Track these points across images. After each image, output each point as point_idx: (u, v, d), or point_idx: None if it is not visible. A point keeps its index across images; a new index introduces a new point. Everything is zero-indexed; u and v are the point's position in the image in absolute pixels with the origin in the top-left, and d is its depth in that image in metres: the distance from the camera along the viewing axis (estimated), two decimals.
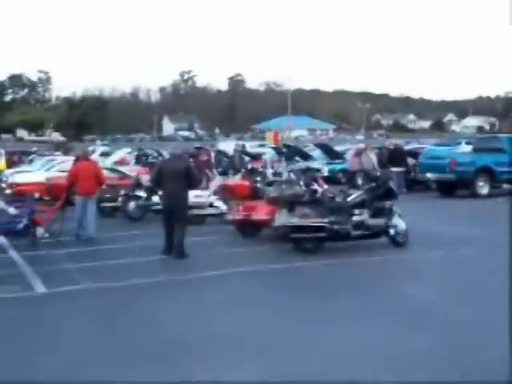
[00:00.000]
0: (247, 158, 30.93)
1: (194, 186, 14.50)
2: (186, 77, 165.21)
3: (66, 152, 43.59)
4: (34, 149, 53.61)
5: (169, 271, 12.11)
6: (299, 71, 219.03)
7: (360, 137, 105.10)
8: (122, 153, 35.14)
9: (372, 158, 23.92)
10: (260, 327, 8.43)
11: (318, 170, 27.02)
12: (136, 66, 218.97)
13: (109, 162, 30.82)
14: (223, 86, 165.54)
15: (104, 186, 20.29)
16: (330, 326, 8.43)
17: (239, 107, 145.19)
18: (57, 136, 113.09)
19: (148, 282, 11.14)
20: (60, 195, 17.37)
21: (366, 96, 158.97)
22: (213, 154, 27.52)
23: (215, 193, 18.45)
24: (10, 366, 7.16)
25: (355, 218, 13.78)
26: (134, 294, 10.40)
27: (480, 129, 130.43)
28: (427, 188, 26.20)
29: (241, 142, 47.42)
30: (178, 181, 13.32)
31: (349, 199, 14.21)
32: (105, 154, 37.81)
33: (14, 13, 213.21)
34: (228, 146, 45.17)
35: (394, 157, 25.46)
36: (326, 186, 16.59)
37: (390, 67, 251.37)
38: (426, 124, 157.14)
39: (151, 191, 18.11)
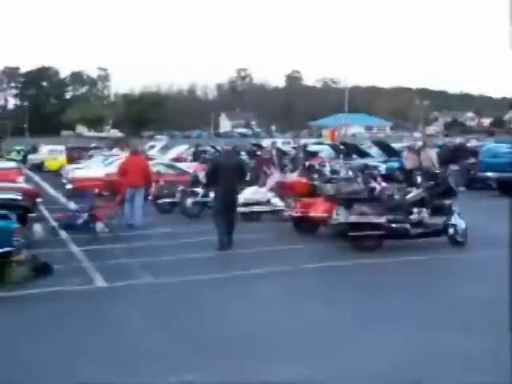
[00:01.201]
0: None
1: (244, 181, 14.98)
2: (243, 74, 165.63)
3: (123, 148, 44.11)
4: (94, 145, 54.40)
5: (227, 267, 12.14)
6: (356, 68, 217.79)
7: (417, 134, 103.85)
8: (180, 149, 35.40)
9: (431, 155, 23.62)
10: (318, 325, 8.41)
11: (376, 168, 26.80)
12: (193, 63, 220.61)
13: (166, 158, 31.12)
14: (280, 82, 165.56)
15: (161, 182, 20.60)
16: (389, 325, 8.35)
17: (296, 104, 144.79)
18: (115, 132, 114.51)
19: (207, 278, 11.21)
20: (119, 191, 17.63)
21: (424, 93, 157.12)
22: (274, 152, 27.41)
23: (272, 190, 18.46)
24: (69, 359, 7.27)
25: (414, 217, 13.65)
26: (194, 290, 10.47)
27: None
28: (487, 187, 25.74)
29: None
30: (231, 177, 13.84)
31: (407, 197, 14.08)
32: (165, 148, 38.13)
33: (75, 12, 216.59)
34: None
35: (457, 154, 25.08)
36: (384, 184, 16.43)
37: (449, 63, 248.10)
38: (486, 121, 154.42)
39: (208, 188, 18.22)
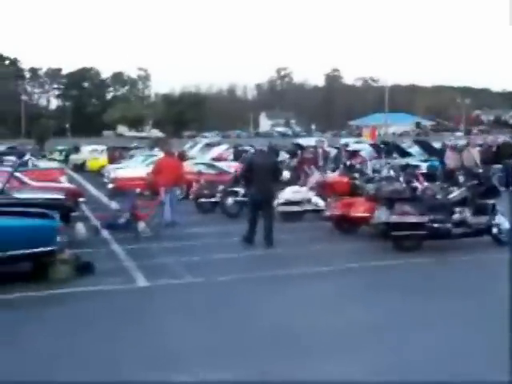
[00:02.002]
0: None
1: (278, 180, 15.22)
2: (282, 73, 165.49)
3: (163, 147, 44.29)
4: (134, 145, 54.78)
5: (268, 267, 12.11)
6: (396, 66, 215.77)
7: (459, 133, 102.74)
8: (220, 149, 35.47)
9: (474, 154, 23.34)
10: (361, 325, 8.35)
11: (417, 167, 26.53)
12: (233, 63, 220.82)
13: (207, 157, 31.21)
14: (320, 81, 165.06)
15: (202, 182, 20.69)
16: (432, 326, 8.27)
17: (336, 103, 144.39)
18: (156, 132, 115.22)
19: (247, 277, 11.22)
20: (160, 190, 17.73)
21: (466, 91, 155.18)
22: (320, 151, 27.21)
23: (313, 189, 18.40)
24: (112, 358, 7.31)
25: (456, 216, 13.50)
26: (235, 289, 10.47)
27: None
28: None
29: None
30: (265, 175, 14.13)
31: (450, 197, 13.93)
32: (210, 145, 38.18)
33: (116, 13, 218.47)
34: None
35: (499, 153, 24.70)
36: (426, 183, 16.28)
37: (492, 61, 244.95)
38: None
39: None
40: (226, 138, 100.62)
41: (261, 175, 14.14)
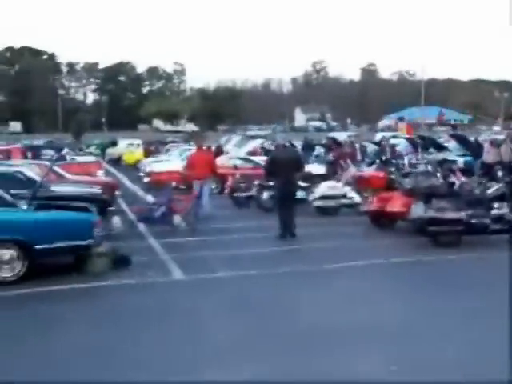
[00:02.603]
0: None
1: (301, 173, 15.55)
2: (318, 67, 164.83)
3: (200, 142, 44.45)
4: (170, 139, 55.07)
5: (303, 261, 12.08)
6: (433, 60, 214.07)
7: (497, 128, 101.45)
8: (255, 143, 35.45)
9: None
10: (397, 321, 8.29)
11: (454, 162, 26.26)
12: (268, 57, 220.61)
13: (242, 152, 31.22)
14: (356, 75, 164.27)
15: (238, 176, 20.74)
16: (469, 322, 8.19)
17: (371, 97, 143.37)
18: (191, 126, 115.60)
19: (283, 272, 11.18)
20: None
21: (505, 85, 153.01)
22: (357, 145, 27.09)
23: (349, 184, 18.33)
24: (150, 351, 7.35)
25: (494, 212, 13.34)
26: (271, 283, 10.47)
27: None
28: None
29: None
30: (288, 169, 14.46)
31: (488, 192, 13.78)
32: (254, 137, 38.07)
33: (151, 7, 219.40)
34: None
35: None
36: (463, 179, 16.13)
37: None
38: None
39: None
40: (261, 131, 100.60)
41: (284, 169, 14.45)
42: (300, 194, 18.35)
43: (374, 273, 11.16)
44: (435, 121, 53.97)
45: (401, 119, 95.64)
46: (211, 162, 18.13)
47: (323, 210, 17.71)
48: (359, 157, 24.72)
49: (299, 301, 9.37)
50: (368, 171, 20.03)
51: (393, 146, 28.75)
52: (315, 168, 20.37)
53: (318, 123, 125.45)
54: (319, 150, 30.97)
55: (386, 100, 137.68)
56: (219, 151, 31.14)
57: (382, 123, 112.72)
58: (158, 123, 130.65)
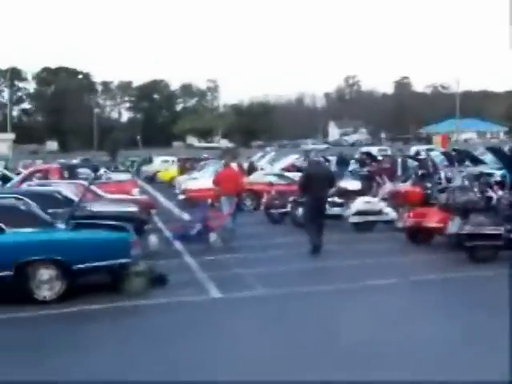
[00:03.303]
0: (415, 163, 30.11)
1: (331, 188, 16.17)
2: (351, 81, 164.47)
3: (234, 158, 44.54)
4: (204, 155, 55.27)
5: (339, 279, 12.02)
6: (467, 72, 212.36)
7: None
8: (290, 159, 35.41)
9: None
10: (436, 338, 8.20)
11: (490, 176, 25.92)
12: (301, 72, 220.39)
13: (276, 168, 31.23)
14: (389, 89, 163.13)
15: (272, 192, 20.75)
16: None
17: (405, 111, 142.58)
18: (225, 143, 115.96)
19: (318, 290, 11.14)
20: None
21: None
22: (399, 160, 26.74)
23: (385, 199, 18.23)
24: (187, 368, 7.35)
25: None
26: (307, 301, 10.44)
27: None
28: None
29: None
30: (320, 185, 14.80)
31: None
32: (274, 159, 37.96)
33: (184, 25, 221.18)
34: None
35: None
36: (500, 192, 15.92)
37: None
38: None
39: None
40: (295, 147, 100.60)
41: (316, 185, 14.76)
42: (336, 210, 18.35)
43: (412, 290, 11.07)
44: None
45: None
46: (238, 179, 18.35)
47: (359, 225, 17.63)
48: (399, 172, 24.36)
49: (339, 319, 9.30)
50: (404, 186, 19.88)
51: (433, 161, 28.33)
52: (350, 184, 20.26)
53: (351, 138, 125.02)
54: (354, 165, 30.85)
55: (420, 113, 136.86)
56: (251, 168, 31.12)
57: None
58: (191, 140, 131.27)
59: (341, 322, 9.12)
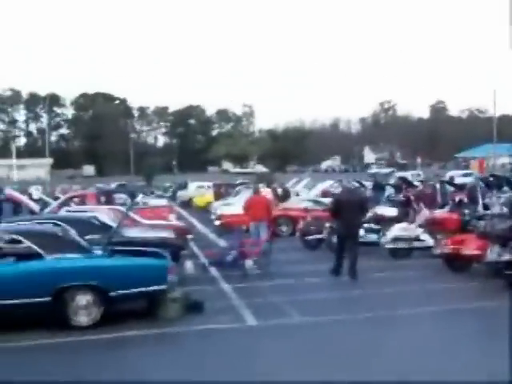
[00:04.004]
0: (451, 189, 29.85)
1: (364, 215, 16.36)
2: (386, 106, 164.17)
3: (269, 183, 44.59)
4: (240, 181, 55.38)
5: (376, 307, 11.88)
6: (504, 96, 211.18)
7: None
8: (325, 185, 35.39)
9: None
10: (478, 370, 8.08)
11: None
12: (336, 97, 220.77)
13: (312, 193, 31.19)
14: (424, 113, 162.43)
15: (308, 218, 20.72)
16: None
17: (441, 135, 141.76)
18: (260, 168, 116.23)
19: (356, 318, 11.04)
20: (266, 227, 17.84)
21: None
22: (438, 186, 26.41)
23: (422, 226, 18.08)
24: None
25: None
26: (344, 330, 10.35)
27: None
28: None
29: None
30: (351, 211, 14.93)
31: None
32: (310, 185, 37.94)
33: (219, 52, 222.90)
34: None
35: None
36: None
37: None
38: None
39: None
40: (330, 172, 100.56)
41: (347, 211, 14.91)
42: (372, 237, 18.26)
43: (447, 320, 10.92)
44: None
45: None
46: (267, 206, 18.80)
47: (395, 252, 17.50)
48: (439, 198, 24.00)
49: (380, 347, 9.22)
50: (441, 213, 19.70)
51: (461, 186, 28.04)
52: (387, 210, 20.15)
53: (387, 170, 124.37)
54: (389, 191, 30.65)
55: (456, 137, 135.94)
56: (285, 194, 30.94)
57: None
58: (227, 165, 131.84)
59: (381, 350, 9.02)
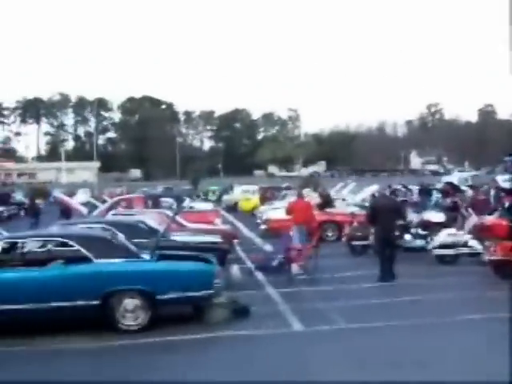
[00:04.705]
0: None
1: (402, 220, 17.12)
2: (433, 109, 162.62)
3: (315, 187, 44.42)
4: (286, 185, 55.33)
5: (422, 313, 11.71)
6: None
7: None
8: (371, 189, 35.10)
9: None
10: None
11: None
12: (382, 100, 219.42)
13: (358, 198, 30.95)
14: (473, 117, 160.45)
15: (355, 224, 20.60)
16: None
17: (489, 139, 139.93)
18: (306, 171, 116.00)
19: (403, 324, 10.93)
20: (313, 232, 17.79)
21: None
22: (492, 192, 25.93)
23: (470, 232, 17.85)
24: None
25: None
26: (392, 336, 10.27)
27: None
28: None
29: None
30: (388, 217, 15.37)
31: None
32: (355, 191, 37.55)
33: (266, 56, 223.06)
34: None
35: None
36: None
37: None
38: None
39: (404, 229, 18.18)
40: (376, 176, 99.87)
41: (383, 216, 15.33)
42: (419, 243, 18.10)
43: (498, 327, 10.73)
44: None
45: None
46: (308, 210, 19.30)
47: (443, 258, 17.30)
48: (493, 203, 23.53)
49: (430, 354, 9.06)
50: (490, 219, 19.40)
51: (509, 191, 27.48)
52: (434, 216, 19.92)
53: (434, 166, 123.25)
54: (436, 195, 30.28)
55: (505, 141, 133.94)
56: (328, 200, 30.42)
57: None
58: (273, 169, 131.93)
59: (433, 357, 8.91)
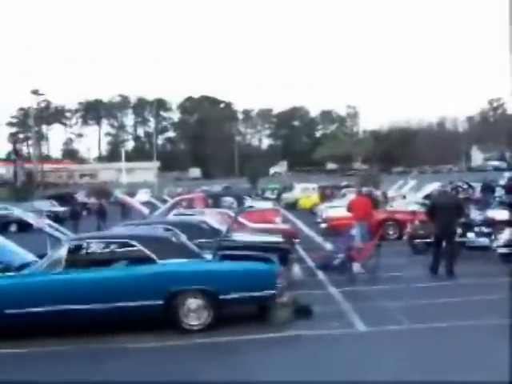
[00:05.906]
0: None
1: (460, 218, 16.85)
2: (495, 104, 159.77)
3: (375, 185, 44.12)
4: (345, 183, 55.07)
5: (487, 314, 11.48)
6: None
7: None
8: (433, 187, 34.70)
9: None
10: None
11: None
12: (442, 96, 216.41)
13: (419, 196, 30.64)
14: None
15: (416, 222, 20.39)
16: None
17: None
18: (365, 169, 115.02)
19: (466, 325, 10.76)
20: (375, 231, 17.70)
21: None
22: None
23: None
24: None
25: None
26: (457, 337, 10.12)
27: None
28: None
29: None
30: (447, 213, 15.49)
31: None
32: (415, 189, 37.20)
33: (325, 53, 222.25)
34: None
35: None
36: None
37: None
38: None
39: (467, 227, 17.93)
40: (436, 173, 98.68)
41: (443, 214, 15.47)
42: (482, 241, 17.83)
43: None
44: None
45: None
46: (367, 207, 19.78)
47: (507, 257, 16.98)
48: None
49: (498, 357, 8.88)
50: None
51: None
52: (498, 213, 19.57)
53: (496, 163, 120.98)
54: (499, 192, 29.80)
55: None
56: (378, 199, 29.85)
57: None
58: (331, 166, 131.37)
59: (486, 360, 8.81)
